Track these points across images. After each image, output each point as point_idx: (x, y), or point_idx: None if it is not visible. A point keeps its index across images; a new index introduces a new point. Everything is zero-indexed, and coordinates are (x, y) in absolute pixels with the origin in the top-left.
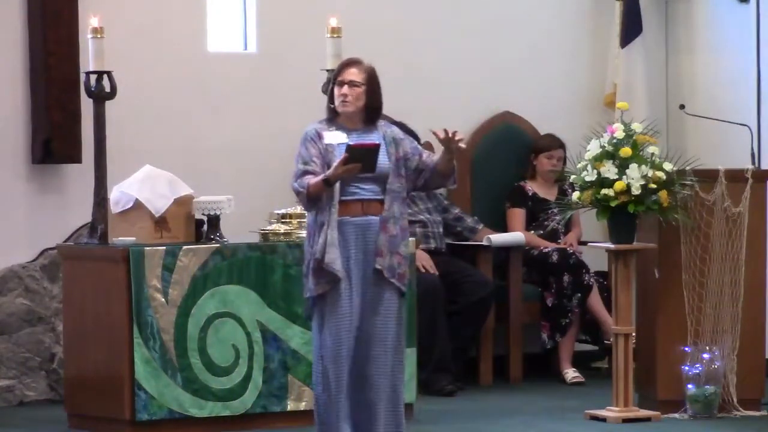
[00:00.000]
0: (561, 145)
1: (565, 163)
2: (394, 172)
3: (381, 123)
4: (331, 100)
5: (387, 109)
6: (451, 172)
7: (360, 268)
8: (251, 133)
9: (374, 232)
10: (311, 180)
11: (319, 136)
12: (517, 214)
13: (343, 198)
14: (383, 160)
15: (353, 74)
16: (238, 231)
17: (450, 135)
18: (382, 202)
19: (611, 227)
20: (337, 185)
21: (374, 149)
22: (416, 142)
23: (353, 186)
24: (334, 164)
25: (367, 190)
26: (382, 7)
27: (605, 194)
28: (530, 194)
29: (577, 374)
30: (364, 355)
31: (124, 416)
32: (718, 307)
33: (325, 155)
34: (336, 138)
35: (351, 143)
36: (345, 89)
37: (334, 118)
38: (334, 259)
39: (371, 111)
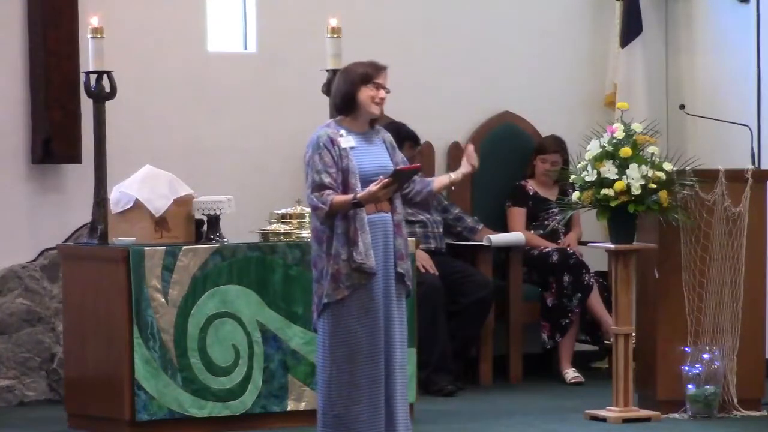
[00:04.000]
0: (558, 150)
1: (567, 165)
2: None
3: (378, 127)
4: (349, 99)
5: (387, 109)
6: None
7: (382, 266)
8: (251, 133)
9: (390, 230)
10: (335, 198)
11: (332, 142)
12: (518, 214)
13: None
14: (389, 163)
15: (386, 78)
16: (238, 231)
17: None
18: (389, 201)
19: (611, 227)
20: (359, 188)
21: (416, 171)
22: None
23: (365, 186)
24: (371, 187)
25: None
26: (382, 6)
27: (605, 194)
28: (531, 193)
29: (577, 374)
30: (387, 354)
31: (124, 416)
32: (718, 307)
33: (338, 161)
34: (348, 142)
35: (398, 167)
36: (383, 93)
37: (344, 120)
38: (374, 262)
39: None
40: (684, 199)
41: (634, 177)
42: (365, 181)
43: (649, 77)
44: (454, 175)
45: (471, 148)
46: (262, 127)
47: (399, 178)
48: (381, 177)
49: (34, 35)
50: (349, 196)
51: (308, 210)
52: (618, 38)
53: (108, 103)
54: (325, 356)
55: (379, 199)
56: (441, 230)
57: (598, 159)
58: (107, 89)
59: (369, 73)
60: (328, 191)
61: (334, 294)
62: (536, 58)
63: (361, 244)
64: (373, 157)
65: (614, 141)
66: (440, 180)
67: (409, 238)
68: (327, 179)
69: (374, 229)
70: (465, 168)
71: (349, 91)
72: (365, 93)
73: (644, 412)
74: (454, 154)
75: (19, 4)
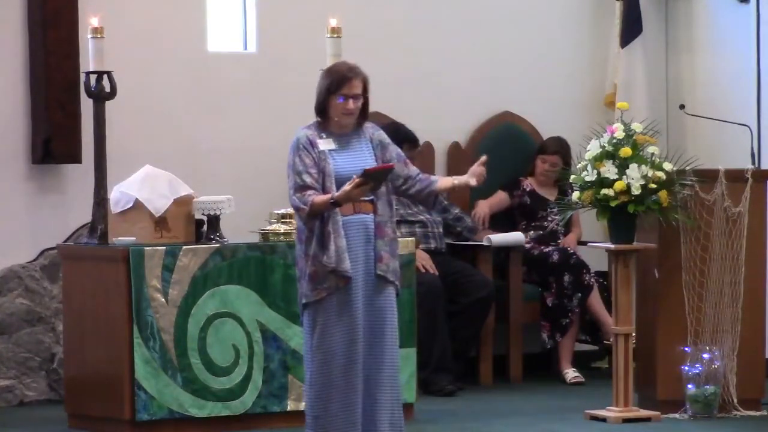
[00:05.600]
0: (558, 151)
1: (568, 167)
2: None
3: (367, 125)
4: (323, 107)
5: (387, 109)
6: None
7: (362, 268)
8: (251, 133)
9: (371, 231)
10: (315, 198)
11: (311, 144)
12: (498, 195)
13: None
14: (371, 164)
15: (356, 87)
16: (238, 231)
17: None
18: (371, 202)
19: (611, 227)
20: (334, 191)
21: (389, 171)
22: (400, 150)
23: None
24: (345, 187)
25: None
26: (382, 7)
27: (605, 194)
28: (528, 190)
29: (577, 374)
30: (369, 355)
31: (124, 416)
32: (718, 307)
33: (318, 162)
34: (327, 145)
35: (367, 167)
36: (351, 104)
37: (323, 122)
38: (348, 266)
39: (362, 117)
40: (684, 199)
41: (634, 177)
42: (341, 185)
43: (649, 77)
44: (458, 181)
45: (483, 160)
46: (262, 127)
47: (371, 178)
48: (354, 176)
49: (34, 35)
50: (328, 196)
51: None
52: (618, 38)
53: (108, 103)
54: (307, 357)
55: (353, 198)
56: (441, 230)
57: (598, 159)
58: (107, 89)
59: (335, 83)
60: (309, 192)
61: (312, 294)
62: (536, 58)
63: (332, 248)
64: (352, 159)
65: (614, 141)
66: (444, 182)
67: (409, 238)
68: (308, 179)
69: (352, 231)
70: (470, 179)
71: (320, 101)
72: (333, 102)
73: (644, 412)
74: (454, 154)
75: (19, 4)
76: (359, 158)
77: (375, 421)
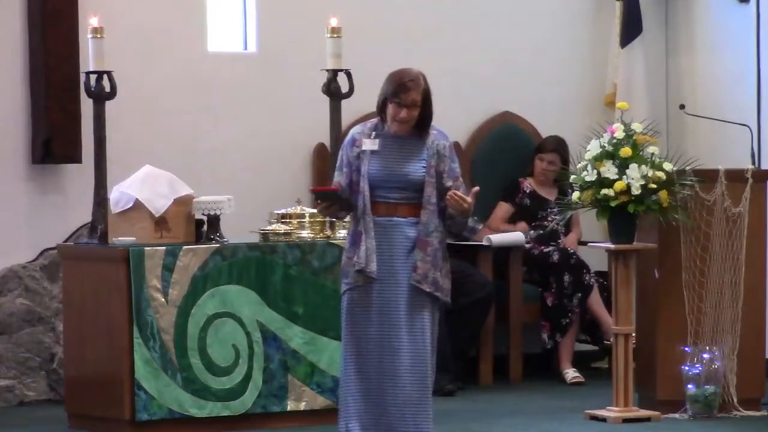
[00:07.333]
0: (556, 149)
1: (567, 166)
2: (430, 183)
3: (434, 132)
4: (381, 111)
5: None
6: (462, 224)
7: (387, 271)
8: (251, 133)
9: (399, 232)
10: None
11: (353, 143)
12: (502, 208)
13: (372, 200)
14: (417, 170)
15: (413, 96)
16: (238, 231)
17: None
18: (412, 206)
19: (611, 227)
20: (366, 192)
21: (334, 194)
22: (458, 169)
23: (381, 191)
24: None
25: (393, 196)
26: (382, 7)
27: (605, 194)
28: (528, 191)
29: (577, 374)
30: (382, 361)
31: (124, 416)
32: (718, 307)
33: (353, 162)
34: (371, 145)
35: (312, 187)
36: (404, 113)
37: (382, 122)
38: (374, 268)
39: (421, 122)
40: (684, 199)
41: (634, 177)
42: (374, 186)
43: (649, 77)
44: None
45: None
46: (262, 126)
47: (317, 197)
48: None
49: (34, 35)
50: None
51: (308, 210)
52: (618, 38)
53: (108, 103)
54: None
55: (319, 213)
56: None
57: (598, 159)
58: (107, 89)
59: (392, 91)
60: None
61: (342, 286)
62: (536, 58)
63: (363, 248)
64: (392, 162)
65: (614, 141)
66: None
67: None
68: (338, 177)
69: (381, 232)
70: None
71: (380, 102)
72: (389, 108)
73: (644, 412)
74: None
75: (19, 4)
76: (399, 162)
77: (390, 425)
